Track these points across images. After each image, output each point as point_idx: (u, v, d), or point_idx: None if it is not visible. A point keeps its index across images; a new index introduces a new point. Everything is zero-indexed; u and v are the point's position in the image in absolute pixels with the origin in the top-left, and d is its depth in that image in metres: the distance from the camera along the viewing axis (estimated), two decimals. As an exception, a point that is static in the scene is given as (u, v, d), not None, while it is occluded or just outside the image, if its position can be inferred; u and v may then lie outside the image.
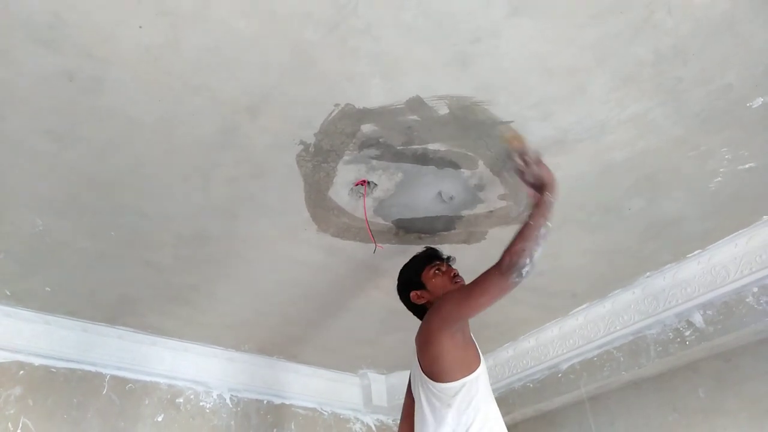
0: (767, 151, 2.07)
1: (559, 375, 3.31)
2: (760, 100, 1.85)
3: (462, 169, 2.12)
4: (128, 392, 3.09)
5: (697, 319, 2.74)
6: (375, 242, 2.38)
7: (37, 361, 2.89)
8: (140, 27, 1.54)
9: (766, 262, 2.51)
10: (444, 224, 2.41)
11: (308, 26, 1.56)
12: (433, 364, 1.90)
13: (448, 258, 2.24)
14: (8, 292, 2.72)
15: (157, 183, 2.11)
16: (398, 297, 2.24)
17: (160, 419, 3.12)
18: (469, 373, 1.88)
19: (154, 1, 1.48)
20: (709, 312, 2.71)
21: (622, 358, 3.04)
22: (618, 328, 3.02)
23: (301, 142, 1.96)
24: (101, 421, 2.95)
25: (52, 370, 2.92)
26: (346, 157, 2.03)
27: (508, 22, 1.56)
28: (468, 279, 2.78)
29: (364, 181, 2.15)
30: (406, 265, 2.23)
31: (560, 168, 2.09)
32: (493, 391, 3.41)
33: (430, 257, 2.19)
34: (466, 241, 2.52)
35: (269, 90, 1.75)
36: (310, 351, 3.49)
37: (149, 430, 3.07)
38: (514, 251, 1.76)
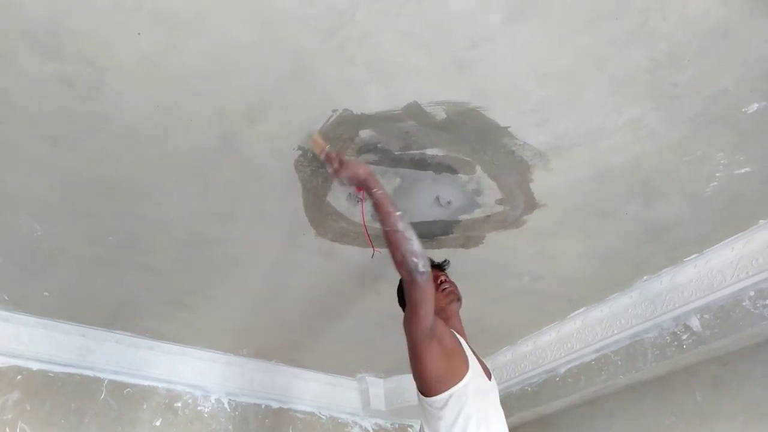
0: (763, 155, 2.08)
1: (557, 379, 3.32)
2: (755, 106, 1.86)
3: (459, 174, 2.12)
4: (126, 397, 3.09)
5: (694, 323, 2.75)
6: (373, 247, 2.38)
7: (35, 366, 2.89)
8: (139, 34, 1.55)
9: (762, 266, 2.51)
10: (442, 229, 2.42)
11: (306, 33, 1.57)
12: (418, 381, 1.89)
13: (442, 264, 2.24)
14: (6, 297, 2.73)
15: (155, 188, 2.11)
16: (397, 301, 2.24)
17: (158, 424, 3.12)
18: (456, 383, 1.84)
19: (152, 8, 1.49)
20: (706, 316, 2.72)
21: (619, 362, 3.04)
22: (615, 332, 3.03)
23: (300, 148, 1.97)
24: (99, 425, 2.95)
25: (50, 374, 2.92)
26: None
27: (504, 28, 1.57)
28: (465, 283, 2.80)
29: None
30: (401, 280, 2.22)
31: (557, 173, 2.11)
32: (491, 395, 3.43)
33: None
34: (464, 246, 2.53)
35: (267, 96, 1.76)
36: (308, 355, 3.49)
37: (147, 434, 3.07)
38: (399, 263, 1.74)
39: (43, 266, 2.51)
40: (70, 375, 2.97)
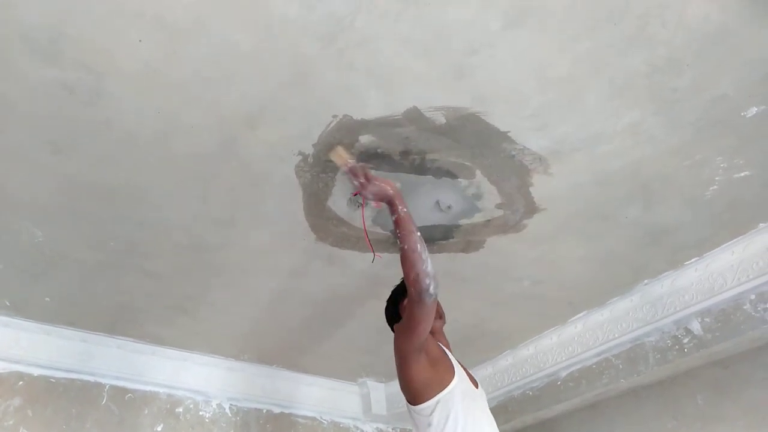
0: (762, 159, 2.08)
1: (558, 383, 3.32)
2: (754, 110, 1.87)
3: (459, 179, 2.13)
4: (127, 402, 3.09)
5: (695, 326, 2.75)
6: (374, 252, 2.38)
7: (36, 372, 2.89)
8: (140, 40, 1.55)
9: (763, 269, 2.51)
10: (442, 233, 2.42)
11: (306, 39, 1.57)
12: (406, 390, 1.97)
13: None
14: (8, 302, 2.73)
15: (156, 193, 2.12)
16: (386, 319, 2.28)
17: (159, 429, 3.12)
18: (442, 389, 1.91)
19: (153, 15, 1.49)
20: (707, 319, 2.72)
21: (620, 366, 3.04)
22: (616, 335, 3.03)
23: (300, 153, 1.97)
24: (100, 431, 2.94)
25: (52, 380, 2.92)
26: (344, 168, 2.04)
27: (504, 33, 1.58)
28: (466, 287, 2.80)
29: (363, 191, 2.16)
30: (387, 300, 2.27)
31: (557, 177, 2.11)
32: (492, 399, 3.45)
33: (404, 287, 2.18)
34: (464, 250, 2.53)
35: (267, 102, 1.76)
36: (309, 360, 3.49)
37: (148, 440, 3.07)
38: (411, 282, 1.78)
39: (44, 271, 2.51)
40: (71, 380, 2.97)
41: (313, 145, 1.94)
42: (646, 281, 2.84)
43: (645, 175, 2.14)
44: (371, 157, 2.00)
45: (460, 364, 2.09)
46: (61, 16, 1.49)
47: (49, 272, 2.52)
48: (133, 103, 1.74)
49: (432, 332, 2.07)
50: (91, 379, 3.03)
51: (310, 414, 3.65)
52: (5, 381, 2.81)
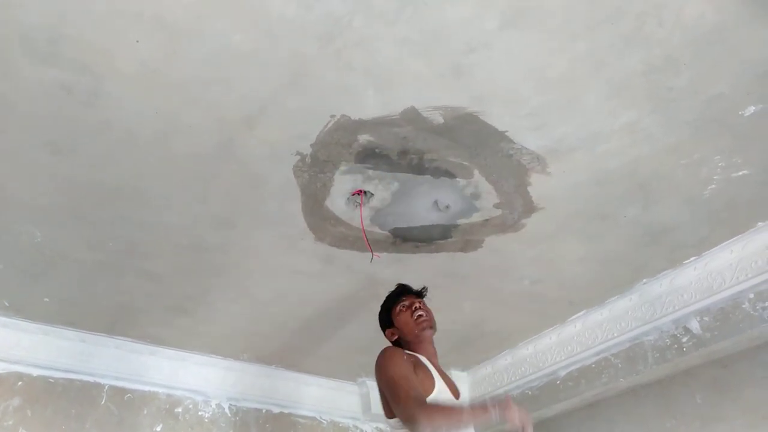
0: (760, 158, 2.08)
1: (558, 382, 3.32)
2: (752, 108, 1.87)
3: (457, 179, 2.13)
4: (127, 402, 3.09)
5: (694, 325, 2.75)
6: (372, 251, 2.39)
7: (35, 372, 2.90)
8: (138, 41, 1.56)
9: (761, 268, 2.51)
10: (440, 233, 2.42)
11: (304, 39, 1.58)
12: (385, 405, 1.97)
13: (421, 291, 2.23)
14: (7, 303, 2.73)
15: (155, 194, 2.12)
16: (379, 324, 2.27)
17: (158, 429, 3.12)
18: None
19: (151, 15, 1.50)
20: (706, 318, 2.72)
21: (620, 365, 3.04)
22: (615, 334, 3.03)
23: (298, 153, 1.97)
24: (100, 431, 2.95)
25: (51, 380, 2.92)
26: (342, 168, 2.05)
27: (501, 33, 1.58)
28: (465, 287, 2.80)
29: (361, 191, 2.16)
30: (381, 306, 2.25)
31: (555, 177, 2.11)
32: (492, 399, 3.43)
33: (398, 294, 2.21)
34: (463, 250, 2.53)
35: (266, 102, 1.77)
36: (308, 360, 3.49)
37: (148, 440, 3.08)
38: (413, 422, 1.76)
39: (43, 272, 2.52)
40: (70, 381, 2.97)
41: (311, 145, 1.94)
42: (645, 280, 2.84)
43: (643, 175, 2.14)
44: (369, 157, 2.00)
45: (442, 374, 2.06)
46: (60, 16, 1.49)
47: (49, 273, 2.52)
48: (132, 103, 1.75)
49: (419, 342, 2.10)
50: (91, 379, 3.03)
51: (309, 414, 3.65)
52: (4, 381, 2.81)
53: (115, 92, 1.71)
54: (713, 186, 2.20)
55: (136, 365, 3.14)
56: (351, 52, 1.62)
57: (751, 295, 2.57)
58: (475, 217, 2.34)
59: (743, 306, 2.60)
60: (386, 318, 2.20)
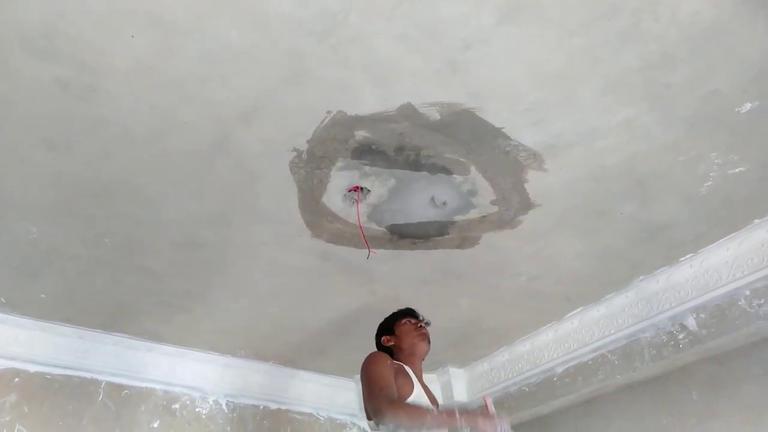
0: (757, 155, 2.08)
1: (555, 379, 3.32)
2: (748, 105, 1.87)
3: (454, 175, 2.13)
4: (124, 399, 3.09)
5: (691, 322, 2.76)
6: (369, 248, 2.39)
7: (32, 368, 2.89)
8: (133, 37, 1.55)
9: (757, 265, 2.52)
10: (437, 229, 2.42)
11: (300, 35, 1.57)
12: (366, 408, 2.03)
13: (423, 319, 2.33)
14: (3, 299, 2.73)
15: (151, 190, 2.12)
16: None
17: (155, 425, 3.12)
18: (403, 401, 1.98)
19: (147, 11, 1.49)
20: (702, 315, 2.72)
21: (616, 362, 3.05)
22: (612, 331, 3.04)
23: (294, 149, 1.97)
24: (97, 427, 2.95)
25: (48, 377, 2.92)
26: (339, 164, 2.05)
27: (498, 29, 1.58)
28: (462, 283, 2.80)
29: (357, 187, 2.16)
30: (386, 317, 2.38)
31: (551, 173, 2.11)
32: (490, 395, 3.43)
33: (408, 313, 2.34)
34: (460, 246, 2.53)
35: (262, 98, 1.76)
36: (305, 356, 3.49)
37: (145, 436, 3.07)
38: (381, 416, 1.85)
39: (39, 268, 2.51)
40: (67, 377, 2.97)
41: (307, 142, 1.94)
42: (641, 277, 2.85)
43: (640, 171, 2.14)
44: (366, 153, 2.00)
45: (422, 383, 2.16)
46: (55, 13, 1.48)
47: (45, 269, 2.52)
48: (127, 100, 1.74)
49: (412, 353, 2.22)
50: (88, 375, 3.03)
51: (306, 410, 3.66)
52: (1, 378, 2.81)
53: (111, 89, 1.71)
54: (710, 183, 2.21)
55: (133, 362, 3.13)
56: (347, 49, 1.61)
57: (747, 292, 2.58)
58: (472, 214, 2.34)
59: (739, 303, 2.60)
60: (389, 325, 2.32)
